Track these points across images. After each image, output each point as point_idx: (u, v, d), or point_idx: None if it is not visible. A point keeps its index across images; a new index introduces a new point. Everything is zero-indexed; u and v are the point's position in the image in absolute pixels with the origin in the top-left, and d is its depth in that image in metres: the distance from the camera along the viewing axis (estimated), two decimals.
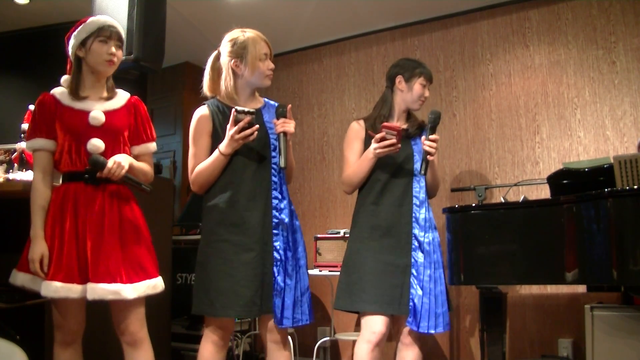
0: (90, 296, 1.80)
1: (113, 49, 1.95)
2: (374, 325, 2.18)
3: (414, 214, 2.25)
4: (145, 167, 2.05)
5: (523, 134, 3.52)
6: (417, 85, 2.35)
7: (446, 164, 3.74)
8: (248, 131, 1.96)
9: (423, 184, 2.29)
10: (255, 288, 1.97)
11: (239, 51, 2.09)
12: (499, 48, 3.66)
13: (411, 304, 2.16)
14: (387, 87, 2.44)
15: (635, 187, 2.13)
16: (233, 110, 1.96)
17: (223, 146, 2.00)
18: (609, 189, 2.07)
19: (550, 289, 3.29)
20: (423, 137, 2.21)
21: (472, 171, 3.66)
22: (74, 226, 1.86)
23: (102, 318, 2.03)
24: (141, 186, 1.93)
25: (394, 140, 2.16)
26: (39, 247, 1.84)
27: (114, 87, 2.05)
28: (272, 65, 2.12)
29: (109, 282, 1.81)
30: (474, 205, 2.82)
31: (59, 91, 1.99)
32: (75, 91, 1.95)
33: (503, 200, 3.04)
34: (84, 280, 1.83)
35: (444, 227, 2.60)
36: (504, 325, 2.81)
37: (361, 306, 2.19)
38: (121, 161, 1.88)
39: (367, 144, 2.32)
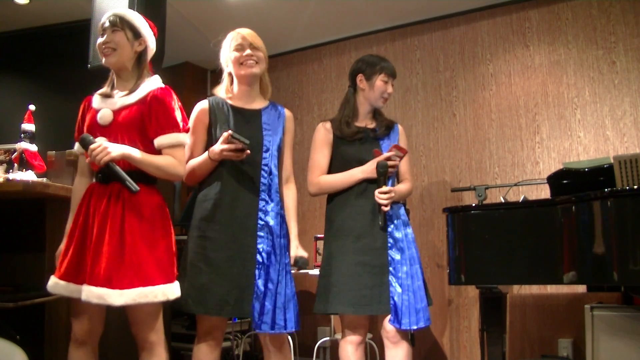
0: (82, 297, 1.75)
1: (105, 38, 1.91)
2: (355, 325, 2.20)
3: (388, 213, 2.22)
4: (158, 161, 1.88)
5: (523, 134, 3.52)
6: (379, 82, 2.31)
7: (446, 164, 3.74)
8: (236, 154, 1.99)
9: (394, 182, 2.29)
10: (230, 288, 1.94)
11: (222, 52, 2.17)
12: (499, 48, 3.66)
13: (392, 302, 2.14)
14: (349, 86, 2.41)
15: (635, 187, 2.13)
16: (229, 132, 1.96)
17: (212, 152, 2.01)
18: (609, 189, 2.07)
19: (550, 289, 3.29)
20: (376, 191, 2.19)
21: (472, 171, 3.66)
22: (83, 226, 1.85)
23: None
24: (125, 183, 1.78)
25: (396, 162, 2.23)
26: (60, 245, 1.91)
27: (142, 79, 1.95)
28: (248, 53, 2.09)
29: (97, 285, 1.74)
30: (474, 205, 2.81)
31: (98, 91, 1.99)
32: (108, 85, 1.98)
33: (503, 200, 3.04)
34: (83, 281, 1.79)
35: (445, 226, 2.60)
36: (504, 325, 2.81)
37: (338, 308, 2.17)
38: (108, 147, 1.78)
39: (335, 147, 2.32)
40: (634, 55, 3.24)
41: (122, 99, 1.92)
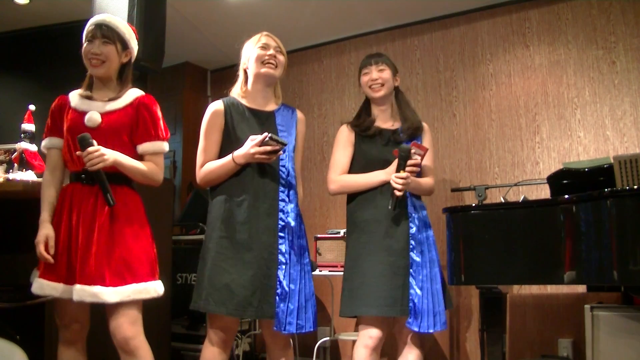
0: (74, 297, 1.77)
1: (95, 48, 1.91)
2: (371, 329, 2.18)
3: (410, 215, 2.24)
4: (143, 167, 1.94)
5: (523, 134, 3.52)
6: (362, 77, 2.39)
7: (446, 164, 3.74)
8: (267, 157, 1.98)
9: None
10: (253, 289, 1.94)
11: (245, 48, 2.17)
12: (499, 48, 3.66)
13: (411, 304, 2.14)
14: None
15: (635, 187, 2.13)
16: (267, 134, 1.96)
17: (238, 156, 2.00)
18: (609, 189, 2.07)
19: (550, 289, 3.29)
20: (393, 175, 2.19)
21: (472, 171, 3.66)
22: (67, 226, 1.85)
23: (102, 319, 2.02)
24: (107, 194, 1.82)
25: (418, 161, 2.22)
26: (43, 230, 1.84)
27: (125, 87, 1.99)
28: (271, 52, 2.11)
29: (89, 284, 1.77)
30: (474, 205, 2.81)
31: (73, 93, 1.99)
32: (87, 87, 1.98)
33: (503, 200, 3.04)
34: (71, 281, 1.81)
35: (445, 227, 2.60)
36: (504, 325, 2.81)
37: (364, 310, 2.15)
38: (105, 153, 1.81)
39: (357, 147, 2.34)
40: (634, 55, 3.24)
41: (109, 103, 1.94)
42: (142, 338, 1.87)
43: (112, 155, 1.84)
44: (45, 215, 1.88)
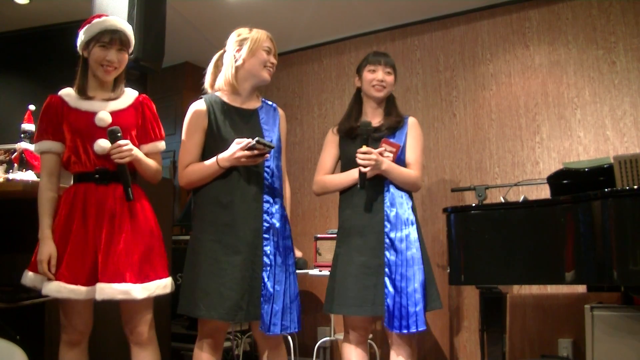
0: (99, 296, 1.79)
1: (112, 56, 1.92)
2: (355, 326, 2.22)
3: (385, 213, 2.20)
4: (153, 164, 2.02)
5: (523, 134, 3.52)
6: (365, 73, 2.34)
7: (446, 164, 3.74)
8: (254, 160, 1.97)
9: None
10: (242, 292, 1.93)
11: (242, 41, 2.10)
12: (499, 48, 3.66)
13: (385, 304, 2.12)
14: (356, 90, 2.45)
15: (635, 187, 2.13)
16: (254, 138, 1.93)
17: (223, 159, 1.97)
18: (609, 189, 2.07)
19: (550, 289, 3.29)
20: (357, 151, 2.16)
21: (472, 171, 3.66)
22: (82, 227, 1.85)
23: (102, 318, 2.02)
24: (128, 188, 1.87)
25: (390, 158, 2.19)
26: (47, 248, 1.83)
27: (123, 87, 2.02)
28: (273, 60, 2.11)
29: (119, 281, 1.80)
30: (474, 205, 2.81)
31: (66, 92, 1.97)
32: (82, 89, 1.95)
33: (503, 200, 3.04)
34: (90, 282, 1.82)
35: (445, 226, 2.60)
36: (504, 325, 2.80)
37: (336, 309, 2.20)
38: (132, 149, 1.89)
39: (341, 147, 2.35)
40: (634, 55, 3.24)
41: (110, 103, 1.96)
42: (154, 332, 1.95)
43: (136, 152, 1.92)
44: (46, 230, 1.86)
